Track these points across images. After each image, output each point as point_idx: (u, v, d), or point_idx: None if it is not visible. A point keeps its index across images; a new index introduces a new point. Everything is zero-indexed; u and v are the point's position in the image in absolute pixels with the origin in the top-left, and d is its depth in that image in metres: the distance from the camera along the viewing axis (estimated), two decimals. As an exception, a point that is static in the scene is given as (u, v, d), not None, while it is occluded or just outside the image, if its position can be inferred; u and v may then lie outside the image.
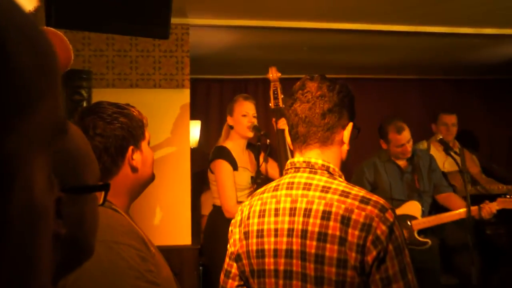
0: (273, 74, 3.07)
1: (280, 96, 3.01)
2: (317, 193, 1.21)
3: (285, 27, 3.35)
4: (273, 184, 1.32)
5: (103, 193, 0.66)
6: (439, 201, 3.34)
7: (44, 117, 0.38)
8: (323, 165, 1.26)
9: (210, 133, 3.89)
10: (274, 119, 2.99)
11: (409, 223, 3.13)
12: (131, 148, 1.29)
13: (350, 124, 1.31)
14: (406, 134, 3.19)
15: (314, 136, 1.27)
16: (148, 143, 1.36)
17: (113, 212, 1.22)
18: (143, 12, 1.96)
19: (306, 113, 1.27)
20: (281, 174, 2.80)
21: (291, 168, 1.30)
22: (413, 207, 3.18)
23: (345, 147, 1.31)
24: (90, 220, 0.62)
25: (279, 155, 2.92)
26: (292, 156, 1.34)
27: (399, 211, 3.13)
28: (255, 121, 3.00)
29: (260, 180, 2.80)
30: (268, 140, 2.94)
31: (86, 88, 2.91)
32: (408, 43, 3.86)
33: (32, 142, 0.37)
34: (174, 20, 2.04)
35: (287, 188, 1.26)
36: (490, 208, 3.04)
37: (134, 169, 1.31)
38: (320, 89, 1.28)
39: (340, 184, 1.22)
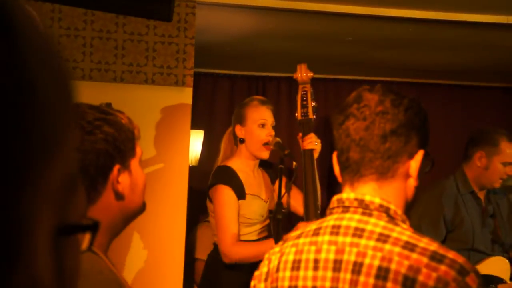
0: (303, 74, 3.09)
1: (311, 104, 3.05)
2: (372, 243, 1.22)
3: (322, 11, 3.34)
4: (312, 226, 1.34)
5: (88, 234, 0.65)
6: None
7: (60, 169, 0.40)
8: (381, 205, 1.27)
9: (214, 147, 3.82)
10: (300, 135, 3.02)
11: None
12: (116, 167, 1.32)
13: (421, 153, 1.32)
14: None
15: (370, 164, 1.29)
16: (139, 162, 1.40)
17: (89, 254, 1.21)
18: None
19: (361, 134, 1.29)
20: (306, 209, 2.89)
21: (338, 207, 1.32)
22: (500, 266, 3.05)
23: (412, 182, 1.32)
24: (70, 272, 0.58)
25: (306, 183, 2.93)
26: (342, 191, 1.34)
27: (480, 269, 2.98)
28: (274, 135, 3.01)
29: (281, 215, 2.78)
30: (294, 163, 2.94)
31: (53, 79, 2.96)
32: (497, 40, 3.81)
33: (43, 203, 0.39)
34: (176, -4, 2.05)
35: (331, 233, 1.28)
36: None
37: (119, 196, 1.33)
38: (382, 104, 1.30)
39: (404, 232, 1.23)
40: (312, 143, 2.94)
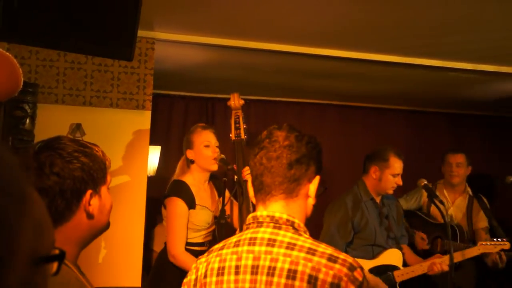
0: (235, 101, 3.15)
1: (242, 126, 3.12)
2: (282, 250, 1.29)
3: (262, 49, 3.46)
4: (233, 239, 1.40)
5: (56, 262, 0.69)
6: None
7: (25, 252, 0.47)
8: (287, 220, 1.35)
9: (170, 157, 3.99)
10: (235, 166, 3.08)
11: (391, 274, 3.20)
12: (89, 192, 1.34)
13: (317, 178, 1.42)
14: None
15: (279, 187, 1.37)
16: (108, 188, 1.44)
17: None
18: (104, 28, 2.01)
19: (272, 162, 1.37)
20: (240, 225, 3.00)
21: (253, 223, 1.38)
22: (394, 256, 3.25)
23: (311, 201, 1.41)
24: None
25: (241, 204, 3.02)
26: (254, 209, 1.43)
27: (379, 260, 3.22)
28: (219, 152, 3.10)
29: (224, 220, 2.91)
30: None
31: (31, 103, 2.85)
32: (398, 74, 4.04)
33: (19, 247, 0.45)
34: (138, 33, 2.10)
35: (249, 244, 1.33)
36: (441, 265, 3.19)
37: (89, 216, 1.36)
38: (288, 139, 1.38)
39: (306, 240, 1.32)
40: (249, 175, 2.91)
